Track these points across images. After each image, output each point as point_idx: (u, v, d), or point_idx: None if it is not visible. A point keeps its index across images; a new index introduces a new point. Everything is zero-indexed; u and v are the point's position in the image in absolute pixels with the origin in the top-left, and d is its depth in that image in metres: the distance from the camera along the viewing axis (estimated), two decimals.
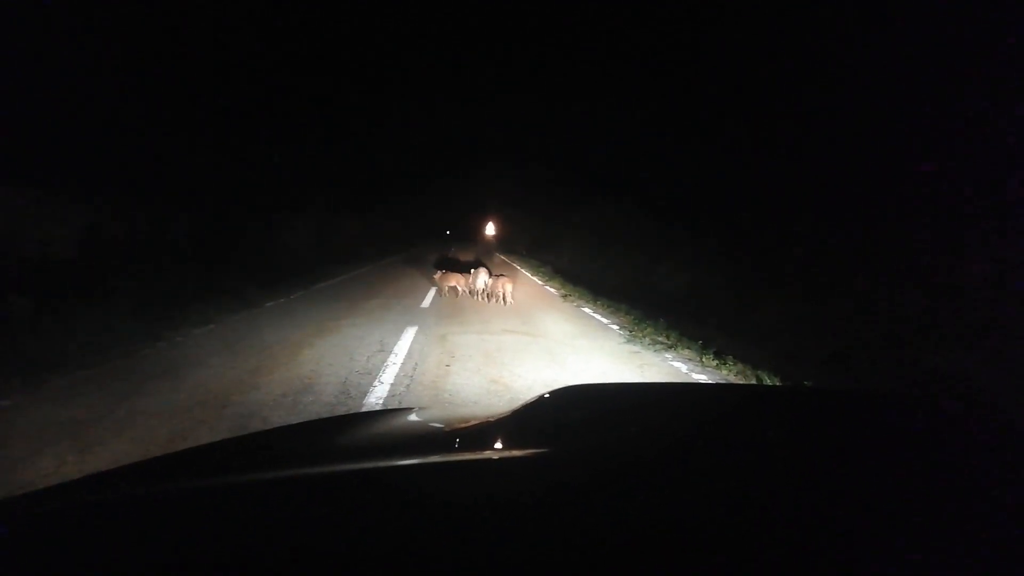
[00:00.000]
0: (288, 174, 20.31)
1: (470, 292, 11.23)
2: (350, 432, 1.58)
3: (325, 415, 4.11)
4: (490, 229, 54.82)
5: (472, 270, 11.40)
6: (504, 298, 10.65)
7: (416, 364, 5.75)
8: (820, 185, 11.25)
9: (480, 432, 1.44)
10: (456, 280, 11.37)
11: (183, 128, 14.30)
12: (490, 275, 11.19)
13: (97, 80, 11.42)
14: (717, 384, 5.22)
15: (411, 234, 45.82)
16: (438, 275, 11.59)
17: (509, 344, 6.91)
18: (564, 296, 12.53)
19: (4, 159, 8.43)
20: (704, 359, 6.46)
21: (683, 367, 6.18)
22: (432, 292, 11.62)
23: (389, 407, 4.30)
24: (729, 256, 12.49)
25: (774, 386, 5.13)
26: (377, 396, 4.64)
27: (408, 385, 4.98)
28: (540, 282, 16.29)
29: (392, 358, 5.95)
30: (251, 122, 18.21)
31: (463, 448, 1.29)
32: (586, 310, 10.46)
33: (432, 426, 1.64)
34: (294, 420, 3.99)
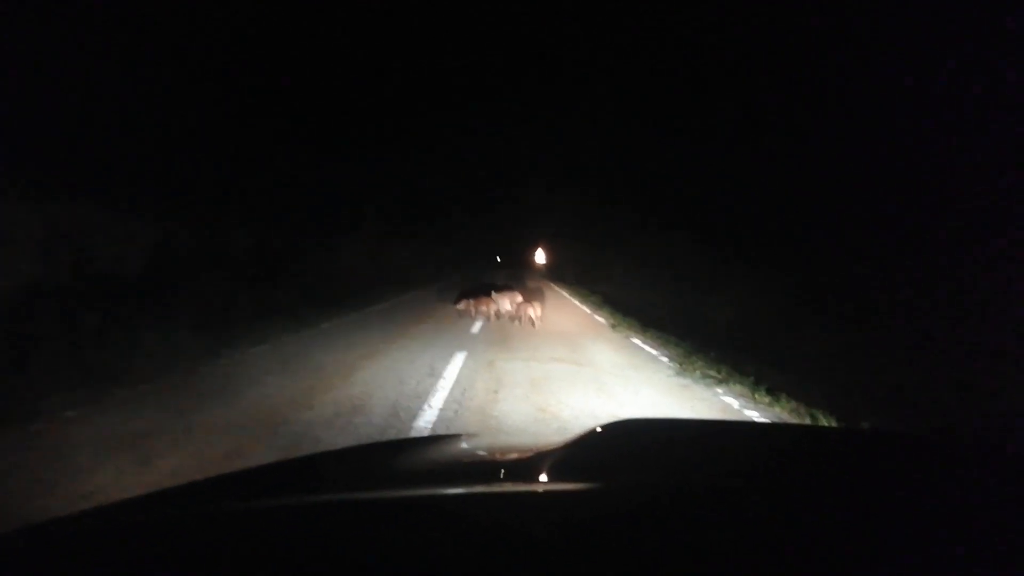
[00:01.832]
0: (345, 197, 20.90)
1: (496, 315, 11.66)
2: (401, 457, 1.62)
3: (376, 437, 4.19)
4: (540, 257, 54.87)
5: (495, 293, 11.87)
6: (533, 320, 11.13)
7: (464, 390, 5.80)
8: (879, 219, 10.95)
9: (532, 463, 1.46)
10: (485, 304, 11.72)
11: (246, 149, 14.93)
12: (519, 299, 11.65)
13: (165, 102, 12.07)
14: (774, 424, 5.09)
15: (462, 260, 46.35)
16: (462, 304, 11.82)
17: (557, 372, 6.90)
18: (613, 326, 12.42)
19: (81, 177, 8.92)
20: (756, 395, 6.31)
21: (735, 403, 6.05)
22: (481, 319, 11.67)
23: (438, 432, 4.35)
24: (782, 290, 12.22)
25: (830, 427, 4.97)
26: (426, 420, 4.70)
27: (456, 411, 5.03)
28: (589, 311, 16.20)
29: (441, 383, 6.02)
30: (312, 146, 18.88)
31: (515, 478, 1.31)
32: (635, 340, 10.35)
33: (483, 454, 1.66)
34: (345, 441, 4.08)
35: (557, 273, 41.53)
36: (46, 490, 3.12)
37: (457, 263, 42.34)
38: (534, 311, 11.22)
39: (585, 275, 30.91)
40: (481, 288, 12.84)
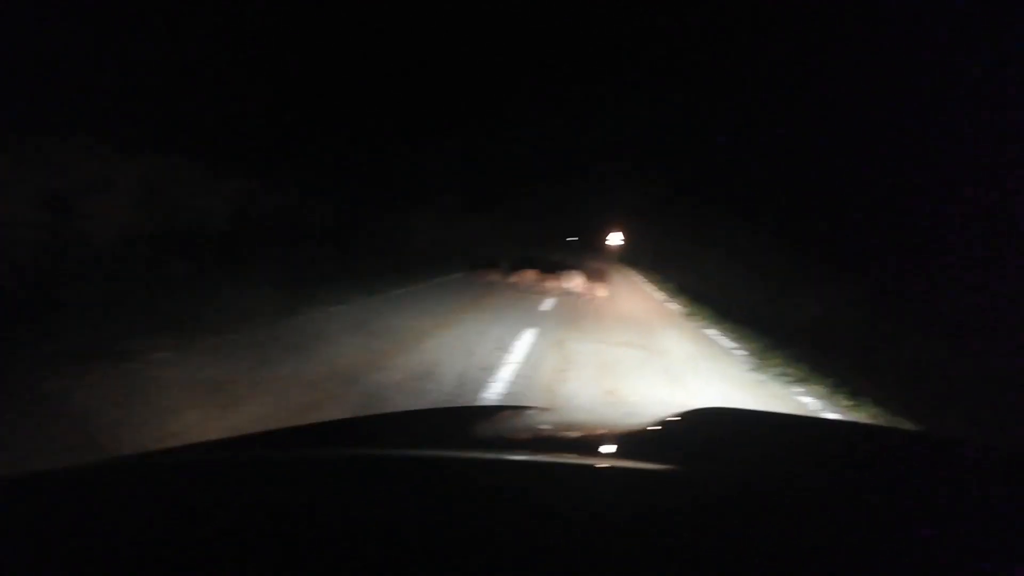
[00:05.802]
0: (425, 172, 21.22)
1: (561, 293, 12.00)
2: (469, 422, 1.62)
3: (443, 404, 4.25)
4: (616, 239, 54.15)
5: (562, 272, 12.49)
6: (593, 298, 11.78)
7: (533, 366, 5.79)
8: (977, 224, 10.18)
9: (606, 440, 1.43)
10: (549, 281, 12.15)
11: (333, 119, 15.32)
12: (582, 279, 12.25)
13: (264, 69, 12.51)
14: (866, 424, 4.83)
15: (536, 237, 46.32)
16: (523, 276, 12.29)
17: (627, 357, 6.80)
18: (688, 315, 12.14)
19: (176, 134, 9.33)
20: (837, 398, 6.01)
21: (812, 403, 5.79)
22: (553, 297, 11.64)
23: (505, 404, 4.37)
24: (879, 294, 11.58)
25: (924, 432, 4.67)
26: (494, 392, 4.73)
27: (525, 386, 5.03)
28: (663, 297, 15.91)
29: (510, 357, 6.05)
30: (395, 122, 19.17)
31: (587, 453, 1.28)
32: (709, 332, 10.07)
33: (555, 427, 1.64)
34: (414, 405, 4.16)
35: (633, 257, 40.97)
36: (137, 427, 3.32)
37: (531, 240, 42.35)
38: (597, 292, 11.82)
39: (661, 261, 30.31)
40: (547, 266, 13.00)
